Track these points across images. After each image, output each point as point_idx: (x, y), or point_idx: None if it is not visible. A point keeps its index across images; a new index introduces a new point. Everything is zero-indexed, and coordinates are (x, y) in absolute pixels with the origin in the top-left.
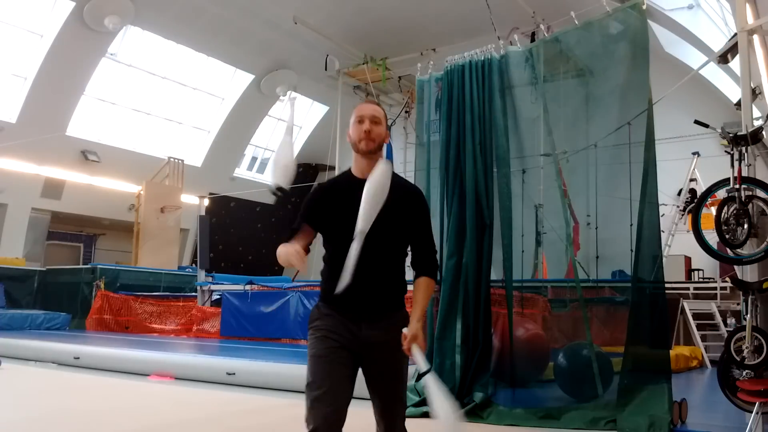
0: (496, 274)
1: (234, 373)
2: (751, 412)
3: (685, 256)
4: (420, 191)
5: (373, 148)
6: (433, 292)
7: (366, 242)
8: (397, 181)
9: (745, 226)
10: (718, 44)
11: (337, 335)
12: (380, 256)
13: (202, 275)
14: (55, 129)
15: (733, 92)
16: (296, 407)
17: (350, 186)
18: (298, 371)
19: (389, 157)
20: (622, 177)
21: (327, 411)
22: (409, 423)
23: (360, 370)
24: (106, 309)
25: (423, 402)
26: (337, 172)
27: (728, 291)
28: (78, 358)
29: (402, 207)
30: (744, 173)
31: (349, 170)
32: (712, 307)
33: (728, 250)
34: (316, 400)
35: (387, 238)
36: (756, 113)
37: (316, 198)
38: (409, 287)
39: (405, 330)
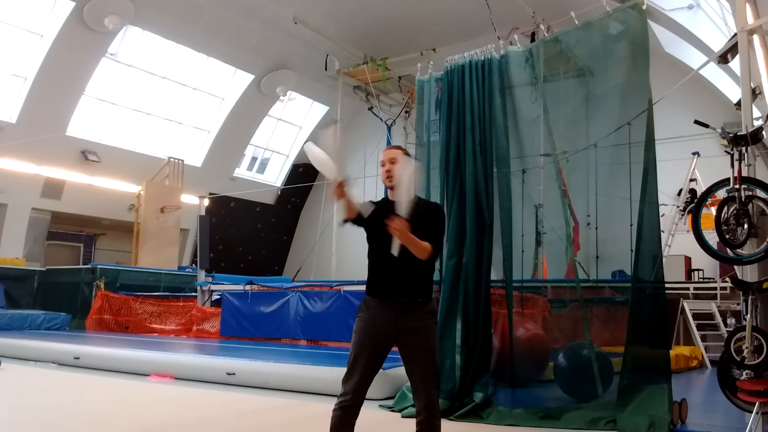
0: (496, 274)
1: (234, 373)
2: (751, 412)
3: (685, 256)
4: (438, 206)
5: (394, 184)
6: (434, 293)
7: (401, 249)
8: (422, 201)
9: (745, 226)
10: (718, 44)
11: (377, 324)
12: (412, 259)
13: (202, 275)
14: (55, 129)
15: (733, 92)
16: (296, 407)
17: (390, 207)
18: (298, 371)
19: None
20: (622, 177)
21: (356, 380)
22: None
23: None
24: (106, 309)
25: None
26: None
27: (728, 291)
28: (78, 358)
29: (426, 218)
30: (744, 173)
31: (386, 198)
32: (712, 307)
33: (728, 250)
34: (350, 370)
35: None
36: (756, 113)
37: (374, 208)
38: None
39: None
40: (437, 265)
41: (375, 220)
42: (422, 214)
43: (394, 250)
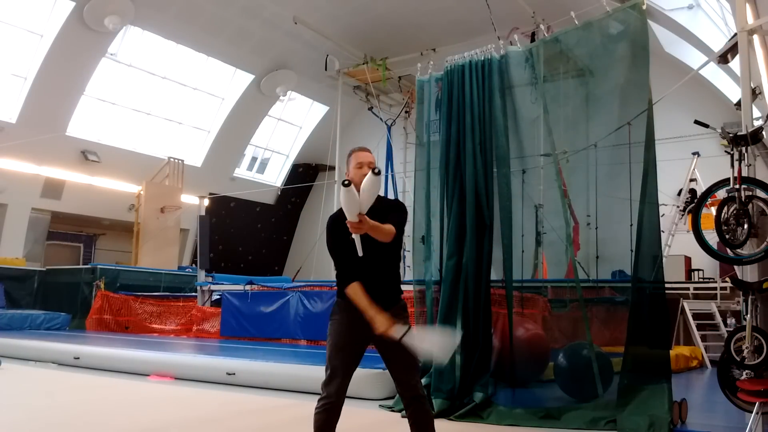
0: (496, 274)
1: (234, 373)
2: (751, 412)
3: (685, 256)
4: (399, 201)
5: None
6: (434, 293)
7: (367, 252)
8: (384, 200)
9: (745, 226)
10: (718, 44)
11: (350, 326)
12: (379, 261)
13: (202, 275)
14: (55, 129)
15: (733, 92)
16: (296, 407)
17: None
18: (298, 371)
19: (389, 157)
20: (622, 177)
21: (337, 382)
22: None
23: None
24: (106, 309)
25: None
26: (337, 172)
27: (728, 291)
28: (78, 358)
29: (385, 209)
30: (744, 173)
31: None
32: (712, 307)
33: (728, 250)
34: (330, 374)
35: (381, 245)
36: (756, 113)
37: (330, 227)
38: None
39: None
40: (437, 265)
41: (337, 231)
42: (382, 207)
43: (359, 251)
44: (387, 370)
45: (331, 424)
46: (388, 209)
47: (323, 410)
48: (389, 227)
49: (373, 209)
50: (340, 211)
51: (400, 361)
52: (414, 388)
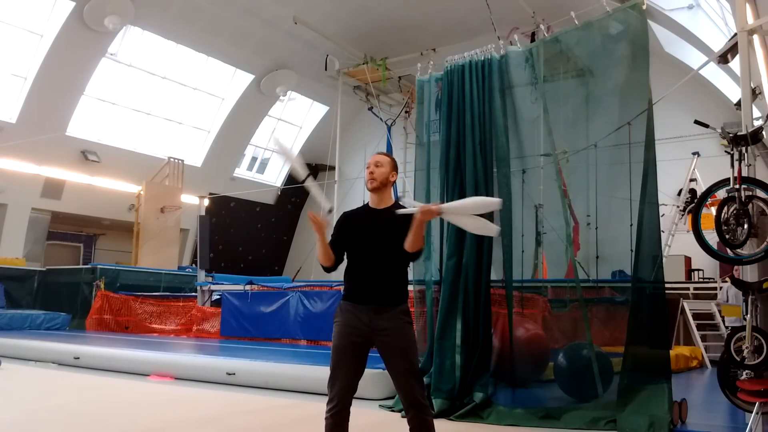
0: (496, 274)
1: (234, 373)
2: (751, 412)
3: (685, 256)
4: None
5: (375, 186)
6: (434, 293)
7: (373, 254)
8: (393, 209)
9: (745, 226)
10: (718, 44)
11: (353, 327)
12: (384, 264)
13: (202, 275)
14: (55, 129)
15: (733, 92)
16: (296, 407)
17: (367, 213)
18: (298, 371)
19: None
20: (622, 177)
21: (340, 384)
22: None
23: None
24: (106, 309)
25: None
26: (337, 172)
27: None
28: (78, 358)
29: (397, 225)
30: (744, 173)
31: (368, 203)
32: (712, 307)
33: (728, 250)
34: (333, 376)
35: (387, 250)
36: (756, 113)
37: (341, 222)
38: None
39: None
40: (437, 264)
41: (353, 227)
42: (396, 220)
43: (408, 211)
44: (387, 371)
45: (342, 428)
46: (401, 228)
47: (330, 416)
48: (422, 237)
49: (395, 218)
50: (358, 209)
51: (399, 367)
52: (411, 396)
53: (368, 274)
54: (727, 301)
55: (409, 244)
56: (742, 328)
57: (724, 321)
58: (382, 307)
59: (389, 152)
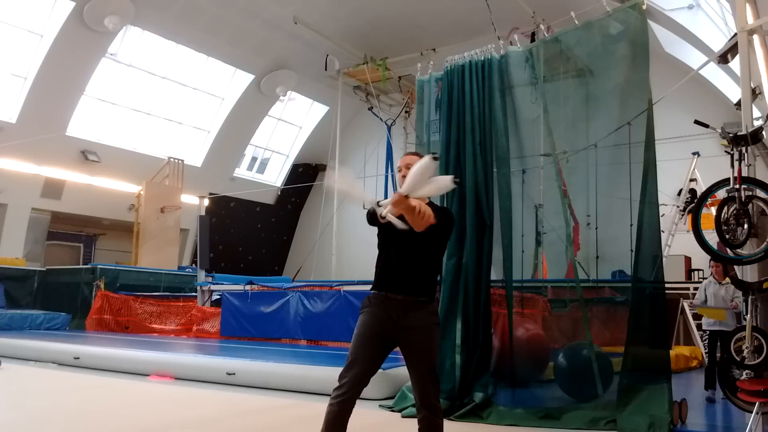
0: (496, 274)
1: (234, 373)
2: (751, 412)
3: (685, 256)
4: (446, 208)
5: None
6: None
7: (406, 250)
8: (432, 205)
9: (745, 226)
10: (718, 44)
11: (380, 319)
12: (416, 261)
13: (202, 275)
14: (55, 129)
15: (733, 92)
16: (296, 407)
17: None
18: (298, 371)
19: (389, 157)
20: (622, 177)
21: (354, 372)
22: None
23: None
24: (106, 309)
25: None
26: (337, 172)
27: None
28: (78, 358)
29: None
30: (744, 173)
31: None
32: None
33: (728, 250)
34: (350, 363)
35: (421, 246)
36: (756, 113)
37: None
38: None
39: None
40: None
41: (375, 222)
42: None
43: (387, 215)
44: (387, 370)
45: (342, 420)
46: (434, 211)
47: (335, 403)
48: (427, 213)
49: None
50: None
51: (421, 367)
52: (426, 396)
53: (399, 265)
54: (705, 302)
55: (414, 226)
56: (742, 328)
57: (700, 326)
58: (413, 300)
59: (389, 152)
